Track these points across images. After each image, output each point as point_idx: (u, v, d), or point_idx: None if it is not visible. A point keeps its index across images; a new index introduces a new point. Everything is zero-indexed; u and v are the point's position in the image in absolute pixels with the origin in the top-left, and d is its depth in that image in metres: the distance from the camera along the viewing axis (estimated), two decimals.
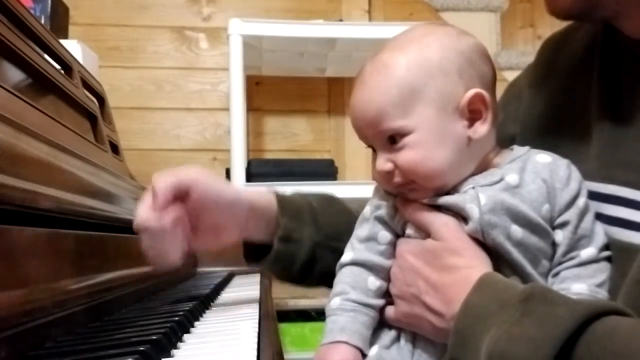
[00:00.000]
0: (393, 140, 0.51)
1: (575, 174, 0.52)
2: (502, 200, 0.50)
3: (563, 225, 0.51)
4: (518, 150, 0.55)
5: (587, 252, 0.50)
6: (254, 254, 0.66)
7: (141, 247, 0.56)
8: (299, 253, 0.63)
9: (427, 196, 0.53)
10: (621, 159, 0.51)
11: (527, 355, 0.39)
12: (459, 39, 0.53)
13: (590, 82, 0.56)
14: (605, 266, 0.50)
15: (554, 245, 0.51)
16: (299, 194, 0.67)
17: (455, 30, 0.54)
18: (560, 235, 0.51)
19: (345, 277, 0.54)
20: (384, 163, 0.52)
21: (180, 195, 0.57)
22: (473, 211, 0.50)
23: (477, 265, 0.49)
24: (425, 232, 0.53)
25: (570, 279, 0.49)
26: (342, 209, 0.66)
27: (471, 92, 0.51)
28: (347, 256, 0.56)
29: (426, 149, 0.50)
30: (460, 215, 0.51)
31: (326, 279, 0.65)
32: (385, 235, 0.55)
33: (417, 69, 0.51)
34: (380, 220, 0.55)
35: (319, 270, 0.65)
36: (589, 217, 0.51)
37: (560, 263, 0.51)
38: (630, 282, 0.45)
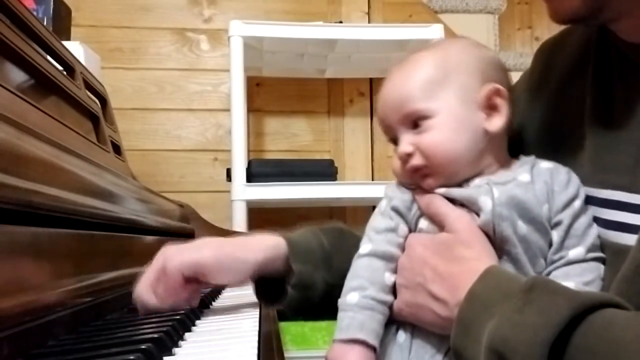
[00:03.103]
0: (416, 125, 0.55)
1: (575, 179, 0.54)
2: (514, 194, 0.52)
3: (557, 224, 0.52)
4: (525, 158, 0.58)
5: (575, 252, 0.51)
6: (265, 290, 0.65)
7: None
8: (313, 297, 0.63)
9: (439, 184, 0.55)
10: (614, 163, 0.51)
11: (527, 340, 0.40)
12: (480, 47, 0.59)
13: (585, 87, 0.56)
14: (594, 266, 0.51)
15: (550, 245, 0.53)
16: (310, 231, 0.66)
17: (476, 42, 0.60)
18: (555, 235, 0.52)
19: (363, 272, 0.55)
20: (406, 146, 0.55)
21: (193, 277, 0.58)
22: (486, 203, 0.52)
23: (485, 258, 0.50)
24: (439, 225, 0.54)
25: (559, 278, 0.50)
26: (353, 244, 0.65)
27: (490, 86, 0.55)
28: (365, 248, 0.56)
29: (447, 131, 0.54)
30: (473, 212, 0.53)
31: None
32: (403, 228, 0.56)
33: (442, 63, 0.56)
34: (397, 211, 0.56)
35: (334, 308, 0.65)
36: (583, 219, 0.52)
37: (551, 262, 0.52)
38: (621, 278, 0.46)
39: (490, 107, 0.55)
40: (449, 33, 1.78)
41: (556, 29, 0.64)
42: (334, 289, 0.61)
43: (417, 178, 0.56)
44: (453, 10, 2.19)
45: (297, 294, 0.62)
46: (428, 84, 0.55)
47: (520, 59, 2.08)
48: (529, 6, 2.39)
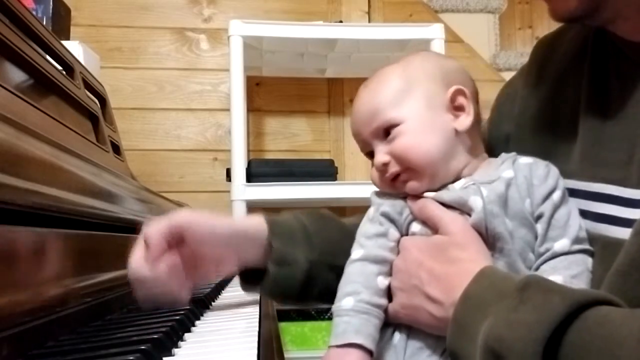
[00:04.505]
0: (387, 134, 0.57)
1: (553, 172, 0.56)
2: (501, 192, 0.53)
3: (539, 217, 0.54)
4: (505, 155, 0.59)
5: (560, 244, 0.52)
6: (251, 281, 0.65)
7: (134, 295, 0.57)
8: (295, 274, 0.63)
9: (423, 187, 0.56)
10: (606, 158, 0.52)
11: (522, 338, 0.40)
12: (443, 57, 0.63)
13: (581, 83, 0.57)
14: (581, 259, 0.52)
15: (536, 238, 0.54)
16: (291, 214, 0.67)
17: (438, 52, 0.64)
18: (539, 228, 0.53)
19: (356, 277, 0.55)
20: (381, 156, 0.57)
21: (174, 241, 0.58)
22: (477, 203, 0.53)
23: (480, 260, 0.51)
24: (433, 228, 0.55)
25: (547, 272, 0.51)
26: (336, 225, 0.66)
27: (453, 87, 0.58)
28: (356, 253, 0.57)
29: (416, 135, 0.56)
30: (465, 213, 0.54)
31: (326, 297, 0.65)
32: (394, 233, 0.57)
33: (404, 74, 0.59)
34: (387, 216, 0.57)
35: (318, 289, 0.65)
36: (564, 210, 0.54)
37: (539, 255, 0.53)
38: (615, 272, 0.46)
39: (456, 108, 0.58)
40: (450, 33, 1.78)
41: (556, 28, 0.64)
42: (316, 266, 0.62)
43: (399, 185, 0.57)
44: (453, 9, 2.19)
45: (278, 270, 0.62)
46: (393, 95, 0.57)
47: (520, 59, 2.08)
48: (530, 6, 2.39)
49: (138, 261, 0.56)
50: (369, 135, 0.58)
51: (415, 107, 0.57)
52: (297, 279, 0.63)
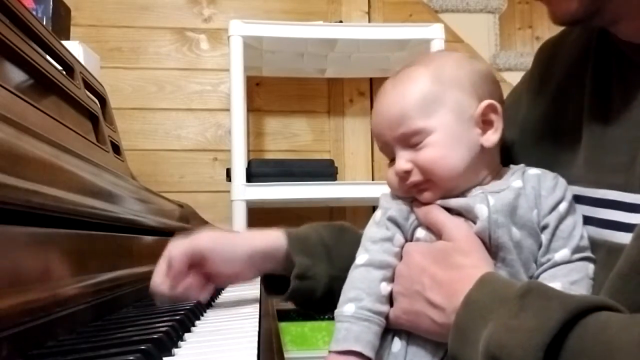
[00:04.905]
0: (413, 142, 0.55)
1: (561, 183, 0.55)
2: (509, 201, 0.53)
3: (544, 228, 0.53)
4: (514, 167, 0.59)
5: (561, 254, 0.52)
6: (275, 285, 0.68)
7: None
8: (317, 288, 0.64)
9: (437, 198, 0.56)
10: (609, 162, 0.52)
11: (522, 344, 0.40)
12: (472, 61, 0.60)
13: (584, 86, 0.56)
14: (581, 266, 0.52)
15: (540, 248, 0.54)
16: (310, 228, 0.68)
17: (468, 55, 0.62)
18: (543, 238, 0.53)
19: (359, 282, 0.55)
20: (404, 163, 0.55)
21: (196, 261, 0.62)
22: (482, 211, 0.53)
23: (482, 266, 0.51)
24: (437, 234, 0.55)
25: (547, 279, 0.51)
26: (354, 239, 0.66)
27: (485, 102, 0.56)
28: (361, 258, 0.57)
29: (445, 148, 0.55)
30: (469, 220, 0.54)
31: None
32: (400, 238, 0.57)
33: (437, 80, 0.56)
34: (393, 221, 0.57)
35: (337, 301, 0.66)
36: (569, 221, 0.53)
37: (540, 265, 0.53)
38: (616, 275, 0.46)
39: (485, 123, 0.56)
40: (450, 33, 1.78)
41: (557, 28, 0.64)
42: (337, 281, 0.63)
43: (414, 192, 0.57)
44: (453, 9, 2.19)
45: (300, 284, 0.64)
46: (424, 102, 0.55)
47: (520, 59, 2.09)
48: (530, 6, 2.39)
49: (160, 278, 0.61)
50: (392, 139, 0.56)
51: (444, 118, 0.55)
52: (318, 292, 0.65)
